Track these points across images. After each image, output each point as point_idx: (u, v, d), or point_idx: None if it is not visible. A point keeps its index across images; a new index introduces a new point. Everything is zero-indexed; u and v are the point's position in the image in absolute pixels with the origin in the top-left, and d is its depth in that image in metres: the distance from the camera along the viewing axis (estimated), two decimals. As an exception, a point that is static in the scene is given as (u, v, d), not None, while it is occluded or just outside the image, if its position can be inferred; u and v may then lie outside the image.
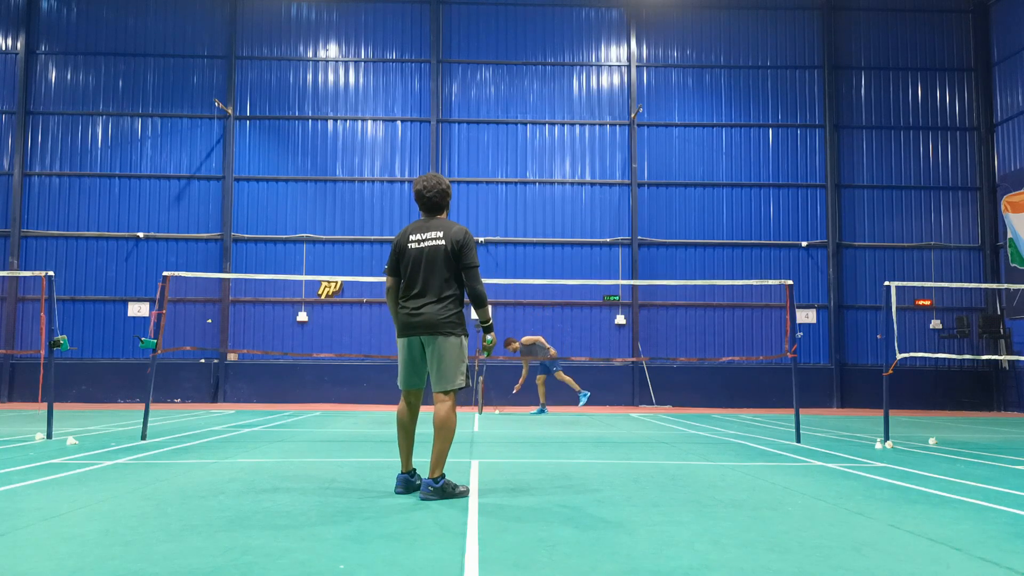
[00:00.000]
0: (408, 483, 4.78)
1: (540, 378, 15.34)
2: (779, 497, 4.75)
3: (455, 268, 4.73)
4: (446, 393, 4.68)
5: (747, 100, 20.70)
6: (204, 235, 19.77)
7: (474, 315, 4.85)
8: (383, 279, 9.25)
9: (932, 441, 9.06)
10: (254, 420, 12.09)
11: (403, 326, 4.79)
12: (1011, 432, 11.51)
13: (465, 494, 4.68)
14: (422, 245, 4.77)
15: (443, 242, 4.72)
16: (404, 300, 4.81)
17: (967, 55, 20.96)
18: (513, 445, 8.21)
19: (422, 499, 4.52)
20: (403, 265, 4.85)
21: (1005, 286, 15.83)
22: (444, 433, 4.62)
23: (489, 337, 4.93)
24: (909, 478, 5.71)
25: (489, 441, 8.59)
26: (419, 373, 4.81)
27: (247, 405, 17.79)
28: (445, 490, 4.55)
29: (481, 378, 14.58)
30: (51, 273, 8.73)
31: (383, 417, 13.25)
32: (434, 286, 4.70)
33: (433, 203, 4.89)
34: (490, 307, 4.94)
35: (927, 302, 19.95)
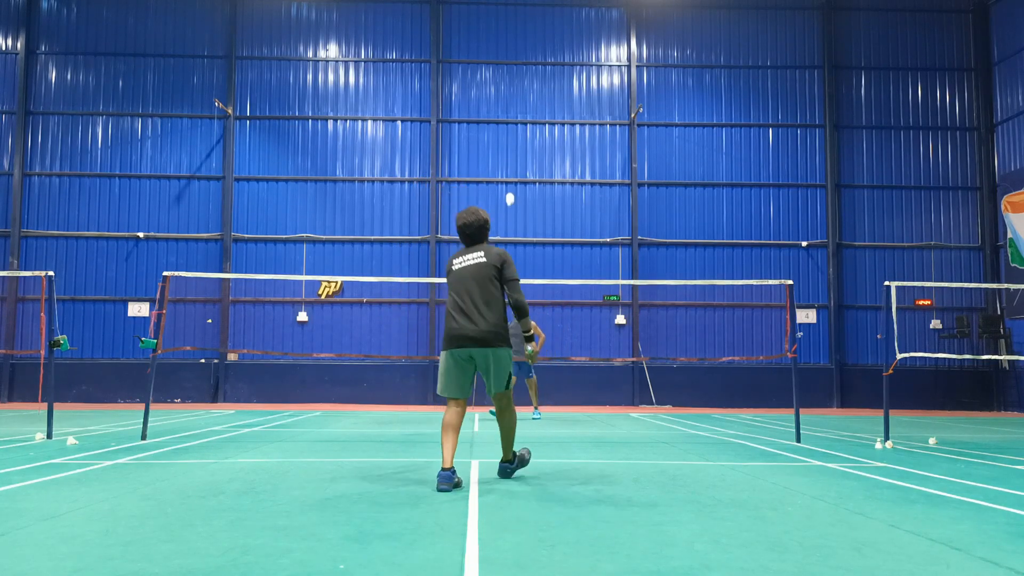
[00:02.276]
0: (450, 479, 4.89)
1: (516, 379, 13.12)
2: (779, 497, 4.75)
3: (499, 283, 5.21)
4: (503, 393, 5.26)
5: (747, 100, 20.69)
6: (204, 235, 19.77)
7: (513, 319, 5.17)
8: (383, 279, 9.36)
9: (932, 441, 9.06)
10: (254, 420, 12.09)
11: (451, 339, 5.14)
12: (1011, 432, 11.51)
13: (528, 452, 5.61)
14: (465, 263, 5.26)
15: (485, 259, 5.22)
16: (455, 314, 5.17)
17: (967, 55, 20.96)
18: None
19: (500, 477, 5.38)
20: (450, 284, 5.30)
21: (1005, 286, 15.80)
22: (508, 425, 5.35)
23: (530, 348, 5.41)
24: (909, 478, 5.71)
25: (489, 441, 8.58)
26: (465, 384, 5.20)
27: (247, 405, 17.78)
28: (521, 462, 5.48)
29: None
30: (51, 273, 8.72)
31: (383, 417, 13.25)
32: (481, 302, 5.13)
33: (474, 237, 5.40)
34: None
35: (927, 302, 19.95)
